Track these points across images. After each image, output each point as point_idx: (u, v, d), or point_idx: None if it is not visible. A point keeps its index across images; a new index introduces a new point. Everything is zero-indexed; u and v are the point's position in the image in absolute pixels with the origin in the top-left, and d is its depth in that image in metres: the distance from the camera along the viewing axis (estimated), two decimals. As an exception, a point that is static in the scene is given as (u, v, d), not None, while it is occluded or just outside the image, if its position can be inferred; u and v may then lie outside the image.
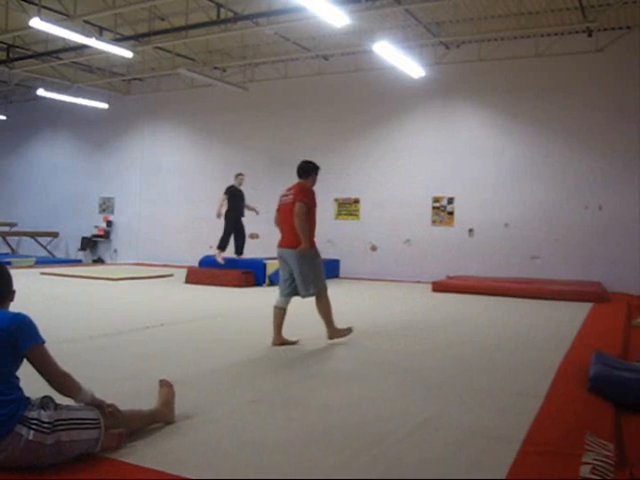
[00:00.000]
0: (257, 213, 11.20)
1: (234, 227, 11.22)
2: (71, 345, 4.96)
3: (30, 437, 2.40)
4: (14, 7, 10.71)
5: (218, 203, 11.08)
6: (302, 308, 5.71)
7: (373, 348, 5.43)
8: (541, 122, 11.39)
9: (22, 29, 11.13)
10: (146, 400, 3.12)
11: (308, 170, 5.58)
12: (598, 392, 3.69)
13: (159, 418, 3.03)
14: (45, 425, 2.44)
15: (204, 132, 15.30)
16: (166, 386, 3.23)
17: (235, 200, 11.11)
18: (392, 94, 12.62)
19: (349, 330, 5.53)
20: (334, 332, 5.45)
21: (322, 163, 13.98)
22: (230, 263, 11.32)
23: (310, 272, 5.29)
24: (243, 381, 4.10)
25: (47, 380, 2.62)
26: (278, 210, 5.60)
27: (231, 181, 14.86)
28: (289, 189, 5.54)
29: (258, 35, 11.99)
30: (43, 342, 2.60)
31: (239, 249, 11.39)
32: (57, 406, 2.55)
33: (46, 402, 2.54)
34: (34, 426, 2.42)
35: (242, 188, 11.37)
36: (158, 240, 15.49)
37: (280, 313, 5.41)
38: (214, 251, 11.40)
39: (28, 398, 2.54)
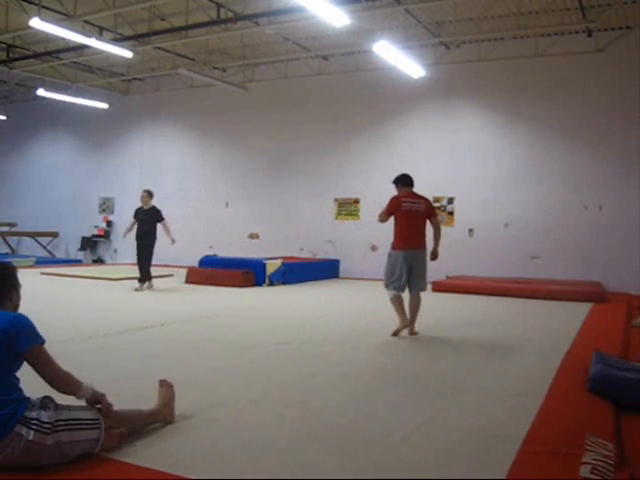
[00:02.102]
0: (173, 242, 10.04)
1: (138, 253, 10.01)
2: (71, 345, 4.96)
3: (30, 437, 2.40)
4: (14, 7, 10.71)
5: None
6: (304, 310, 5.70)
7: (372, 348, 5.44)
8: (541, 122, 11.39)
9: (22, 29, 11.12)
10: (147, 400, 3.12)
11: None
12: (598, 392, 3.69)
13: (159, 418, 3.03)
14: (45, 425, 2.44)
15: (204, 132, 15.30)
16: (166, 386, 3.22)
17: (138, 223, 10.04)
18: (392, 94, 12.62)
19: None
20: (414, 328, 6.05)
21: (322, 163, 14.07)
22: (230, 263, 11.34)
23: (426, 270, 6.21)
24: (243, 381, 4.10)
25: (47, 380, 2.61)
26: (390, 213, 6.10)
27: (230, 181, 14.97)
28: (411, 196, 6.18)
29: (258, 35, 11.98)
30: (43, 342, 2.60)
31: (142, 276, 9.96)
32: (57, 406, 2.55)
33: (46, 402, 2.54)
34: (34, 426, 2.42)
35: (155, 207, 10.13)
36: (158, 240, 15.44)
37: (401, 300, 6.03)
38: (212, 251, 11.36)
39: (28, 398, 2.54)
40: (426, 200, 6.30)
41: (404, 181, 6.28)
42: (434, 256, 6.23)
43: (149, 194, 10.14)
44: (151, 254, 10.01)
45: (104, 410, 2.70)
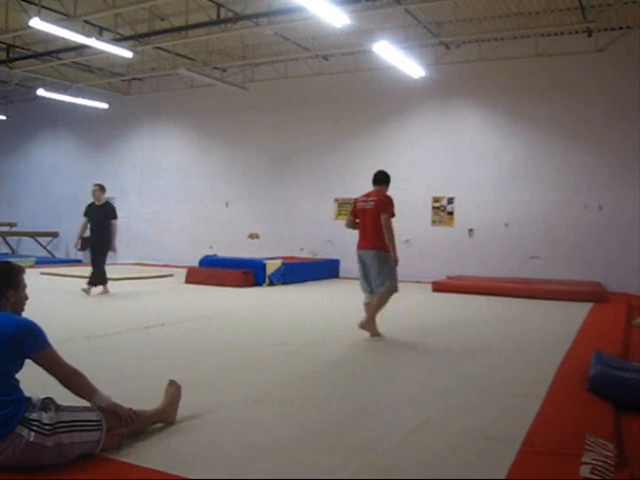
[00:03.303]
0: (114, 251, 9.11)
1: (92, 254, 9.03)
2: (70, 345, 4.95)
3: (31, 439, 2.40)
4: (14, 7, 10.71)
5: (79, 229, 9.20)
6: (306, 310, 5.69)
7: (372, 348, 5.43)
8: (541, 122, 11.39)
9: (22, 29, 11.13)
10: (147, 401, 3.11)
11: (386, 179, 6.06)
12: (598, 392, 3.69)
13: (162, 418, 3.03)
14: (46, 427, 2.44)
15: (204, 132, 15.30)
16: (174, 386, 3.23)
17: (90, 221, 9.04)
18: (392, 94, 12.62)
19: (380, 337, 5.70)
20: (369, 325, 5.72)
21: (322, 163, 14.06)
22: (230, 263, 11.34)
23: (385, 271, 5.70)
24: (243, 381, 4.10)
25: (58, 380, 2.62)
26: (353, 213, 6.03)
27: (230, 181, 14.97)
28: (368, 195, 5.94)
29: (258, 35, 11.99)
30: (49, 346, 2.60)
31: (92, 279, 8.93)
32: (58, 407, 2.55)
33: (47, 403, 2.54)
34: (35, 427, 2.42)
35: (106, 202, 9.18)
36: (158, 240, 15.49)
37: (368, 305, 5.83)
38: (212, 251, 11.32)
39: (29, 399, 2.54)
40: (380, 197, 5.84)
41: (372, 179, 6.08)
42: (393, 262, 5.71)
43: (102, 188, 9.16)
44: (106, 254, 9.06)
45: (125, 421, 2.72)
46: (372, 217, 5.77)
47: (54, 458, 2.46)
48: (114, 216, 9.05)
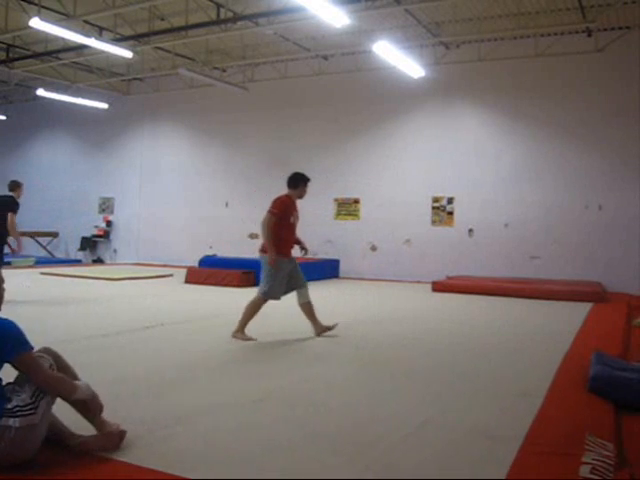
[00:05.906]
0: (13, 251, 8.00)
1: None
2: (70, 345, 4.94)
3: (17, 425, 2.40)
4: (14, 7, 10.71)
5: None
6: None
7: (373, 349, 5.43)
8: (541, 122, 11.39)
9: (22, 29, 11.13)
10: (145, 401, 3.11)
11: (295, 181, 6.08)
12: (598, 392, 3.69)
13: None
14: (27, 407, 2.44)
15: (204, 132, 15.30)
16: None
17: None
18: (392, 94, 12.62)
19: (249, 339, 5.49)
20: (238, 332, 5.55)
21: (322, 163, 14.05)
22: (230, 263, 11.34)
23: (264, 274, 5.65)
24: (243, 381, 4.09)
25: (37, 385, 2.51)
26: None
27: (230, 181, 14.95)
28: None
29: (258, 35, 11.99)
30: (30, 349, 2.52)
31: None
32: (20, 385, 2.54)
33: (13, 388, 2.53)
34: (18, 413, 2.42)
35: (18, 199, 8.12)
36: (158, 240, 15.49)
37: (303, 307, 5.82)
38: (212, 251, 11.29)
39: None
40: (274, 199, 6.05)
41: None
42: (269, 262, 5.55)
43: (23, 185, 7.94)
44: (3, 255, 7.71)
45: (93, 409, 2.68)
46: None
47: (43, 433, 2.47)
48: (16, 207, 8.12)
